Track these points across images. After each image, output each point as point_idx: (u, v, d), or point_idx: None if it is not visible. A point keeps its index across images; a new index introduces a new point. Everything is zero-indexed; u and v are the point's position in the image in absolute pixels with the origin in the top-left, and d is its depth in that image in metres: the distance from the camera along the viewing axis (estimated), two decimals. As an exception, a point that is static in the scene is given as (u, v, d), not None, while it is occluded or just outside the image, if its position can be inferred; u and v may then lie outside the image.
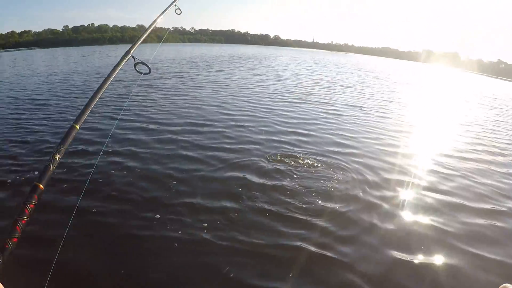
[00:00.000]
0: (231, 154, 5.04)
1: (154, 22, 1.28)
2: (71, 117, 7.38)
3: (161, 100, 9.32)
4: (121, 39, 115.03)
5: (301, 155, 5.07)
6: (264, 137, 6.02)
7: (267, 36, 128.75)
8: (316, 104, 9.87)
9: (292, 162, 4.78)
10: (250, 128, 6.60)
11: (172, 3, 1.63)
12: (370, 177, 4.44)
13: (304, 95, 11.41)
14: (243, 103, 9.25)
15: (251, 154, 5.06)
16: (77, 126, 0.50)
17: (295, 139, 6.02)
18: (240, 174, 4.26)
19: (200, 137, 5.86)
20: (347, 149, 5.58)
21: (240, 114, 7.86)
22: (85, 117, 0.50)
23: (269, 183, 4.07)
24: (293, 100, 10.20)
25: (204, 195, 3.71)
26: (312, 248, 2.85)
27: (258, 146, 5.44)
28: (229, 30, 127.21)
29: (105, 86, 0.67)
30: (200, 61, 27.74)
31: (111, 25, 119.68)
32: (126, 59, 0.78)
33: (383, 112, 9.51)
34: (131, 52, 0.77)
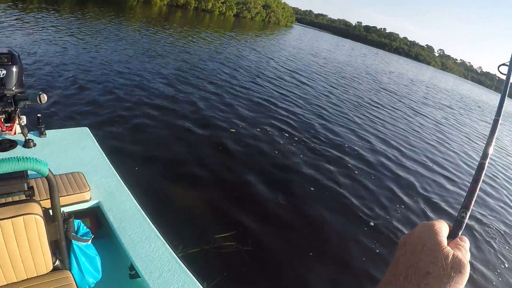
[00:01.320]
0: (424, 206, 4.85)
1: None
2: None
3: (410, 126, 9.57)
4: (406, 53, 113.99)
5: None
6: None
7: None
8: None
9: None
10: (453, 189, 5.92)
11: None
12: None
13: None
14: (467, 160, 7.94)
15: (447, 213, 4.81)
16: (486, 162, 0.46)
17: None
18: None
19: (403, 176, 5.72)
20: None
21: (463, 174, 6.88)
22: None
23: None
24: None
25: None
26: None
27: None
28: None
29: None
30: (473, 105, 25.80)
31: (401, 35, 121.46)
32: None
33: None
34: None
